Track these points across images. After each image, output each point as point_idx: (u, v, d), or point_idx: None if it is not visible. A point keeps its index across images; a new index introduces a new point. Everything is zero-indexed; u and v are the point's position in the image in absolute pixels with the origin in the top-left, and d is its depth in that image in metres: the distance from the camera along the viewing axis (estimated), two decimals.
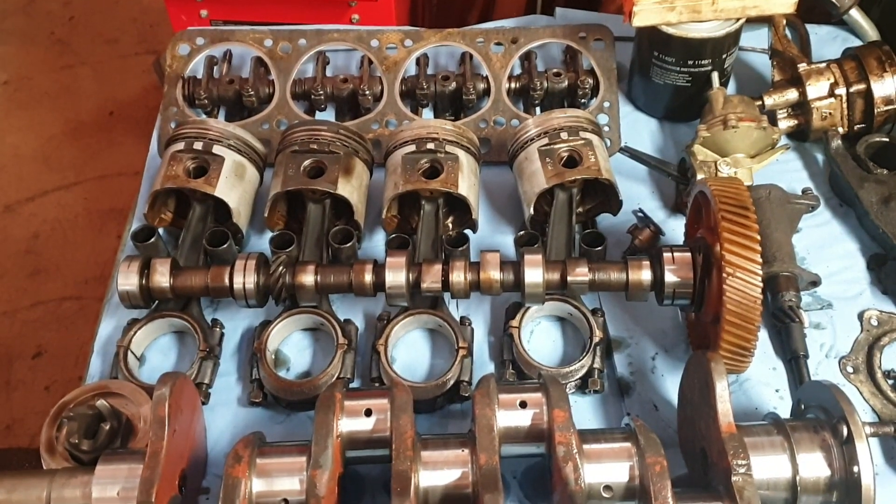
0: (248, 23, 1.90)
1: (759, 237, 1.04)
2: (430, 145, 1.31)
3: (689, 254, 1.15)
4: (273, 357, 1.23)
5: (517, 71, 1.58)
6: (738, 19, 1.40)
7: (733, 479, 0.93)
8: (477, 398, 1.02)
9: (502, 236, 1.40)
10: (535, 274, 1.16)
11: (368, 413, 1.02)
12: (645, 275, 1.16)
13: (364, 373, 1.22)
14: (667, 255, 1.15)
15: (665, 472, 0.95)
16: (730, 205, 1.07)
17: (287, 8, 1.94)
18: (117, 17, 3.29)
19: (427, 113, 1.57)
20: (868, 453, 0.95)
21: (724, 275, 1.04)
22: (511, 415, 1.03)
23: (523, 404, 1.03)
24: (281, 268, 1.18)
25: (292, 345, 1.26)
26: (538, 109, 1.56)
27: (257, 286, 1.18)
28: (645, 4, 1.37)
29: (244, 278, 1.17)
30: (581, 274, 1.16)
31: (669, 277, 1.14)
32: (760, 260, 1.04)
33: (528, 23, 1.69)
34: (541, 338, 1.27)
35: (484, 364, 1.24)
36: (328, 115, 1.56)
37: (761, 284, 1.03)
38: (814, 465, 0.98)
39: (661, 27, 1.40)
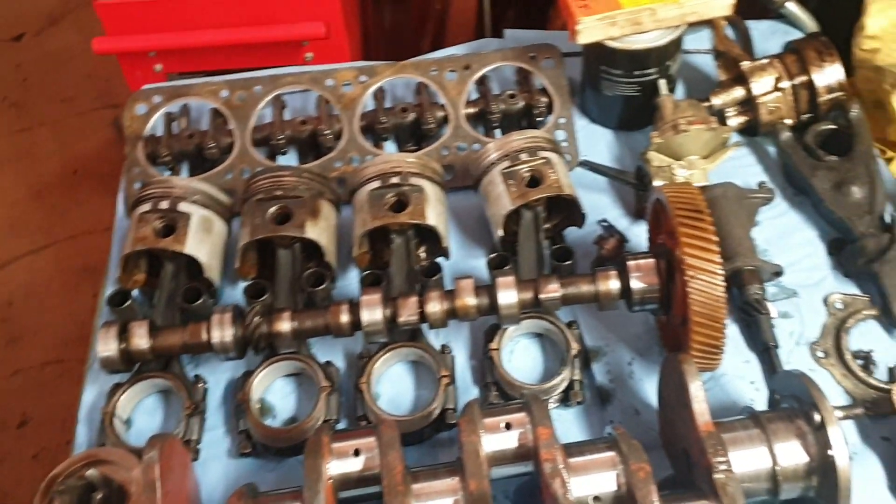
0: (204, 72, 1.92)
1: (716, 238, 1.08)
2: (395, 179, 1.33)
3: (653, 260, 1.18)
4: (258, 406, 1.24)
5: (474, 96, 1.61)
6: (678, 26, 1.44)
7: (715, 476, 0.96)
8: (462, 425, 1.04)
9: (475, 259, 1.43)
10: (508, 296, 1.19)
11: (357, 453, 1.04)
12: (613, 284, 1.19)
13: (350, 412, 1.24)
14: (631, 263, 1.18)
15: (649, 476, 0.97)
16: (685, 209, 1.11)
17: (241, 54, 1.97)
18: (71, 74, 3.29)
19: (389, 145, 1.59)
20: (841, 437, 0.98)
21: (687, 278, 1.07)
22: (497, 437, 1.05)
23: (508, 426, 1.06)
24: (256, 318, 1.19)
25: (276, 392, 1.28)
26: (498, 131, 1.59)
27: (235, 339, 1.19)
28: (588, 22, 1.40)
29: (222, 332, 1.19)
30: (552, 290, 1.19)
31: (636, 284, 1.17)
32: (720, 260, 1.07)
33: (479, 47, 1.72)
34: (521, 356, 1.30)
35: (468, 389, 1.26)
36: (290, 158, 1.58)
37: (724, 284, 1.06)
38: (792, 454, 1.02)
39: (606, 42, 1.44)
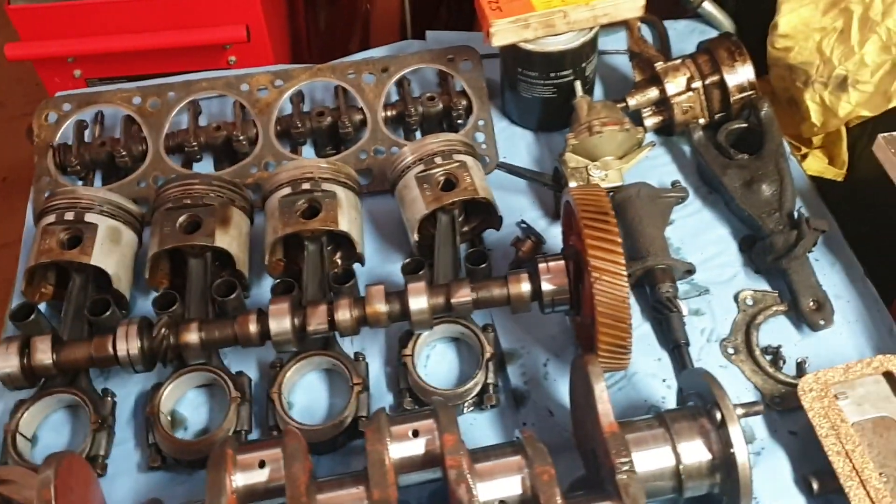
0: (124, 78, 1.88)
1: (620, 240, 1.08)
2: (306, 185, 1.32)
3: (562, 262, 1.18)
4: (169, 419, 1.22)
5: (394, 98, 1.60)
6: (592, 28, 1.45)
7: (617, 477, 0.96)
8: (368, 435, 1.04)
9: (393, 265, 1.41)
10: (419, 302, 1.18)
11: (262, 465, 1.03)
12: (524, 287, 1.19)
13: (264, 423, 1.22)
14: (542, 265, 1.19)
15: (553, 480, 0.97)
16: (591, 212, 1.11)
17: (163, 59, 1.93)
18: (1, 79, 3.20)
19: (307, 150, 1.58)
20: (741, 435, 0.99)
21: (591, 279, 1.07)
22: (405, 445, 1.04)
23: (416, 433, 1.05)
24: (163, 329, 1.17)
25: (188, 403, 1.25)
26: (419, 134, 1.58)
27: (142, 351, 1.16)
28: (501, 25, 1.40)
29: (127, 345, 1.16)
30: (464, 295, 1.19)
31: (546, 286, 1.18)
32: (623, 262, 1.08)
33: (400, 49, 1.72)
34: (437, 361, 1.29)
35: (382, 396, 1.25)
36: (206, 165, 1.56)
37: (627, 285, 1.07)
38: (695, 452, 1.03)
39: (521, 44, 1.44)
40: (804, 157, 1.62)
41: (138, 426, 1.23)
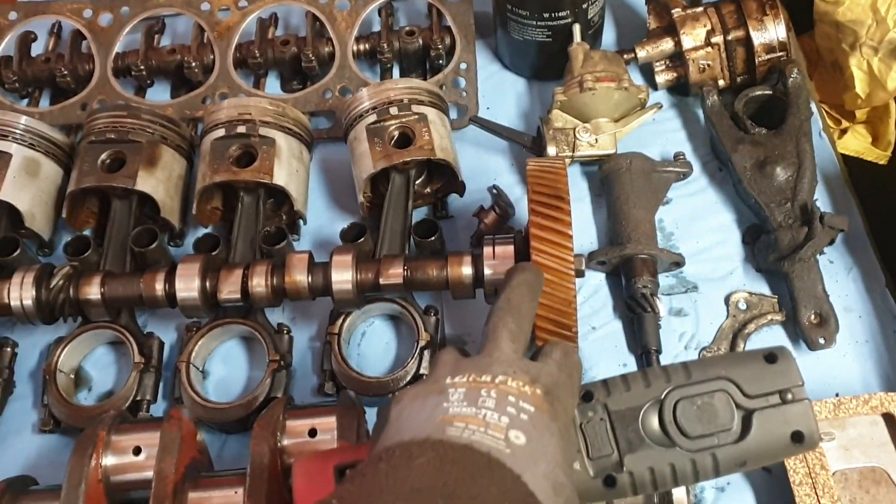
0: None
1: (570, 233, 0.90)
2: (242, 128, 1.16)
3: (511, 246, 1.01)
4: (72, 377, 1.12)
5: (374, 29, 1.41)
6: None
7: None
8: (255, 431, 0.91)
9: (345, 223, 1.26)
10: (343, 276, 1.03)
11: (138, 451, 0.92)
12: (466, 271, 1.02)
13: (171, 392, 1.11)
14: (488, 248, 1.01)
15: None
16: (542, 193, 0.93)
17: None
18: None
19: (272, 83, 1.41)
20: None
21: None
22: (300, 444, 0.92)
23: (313, 432, 0.92)
24: (61, 280, 1.05)
25: (95, 361, 1.14)
26: (396, 74, 1.40)
27: (37, 302, 1.05)
28: None
29: (21, 293, 1.05)
30: (394, 275, 1.03)
31: (489, 273, 1.01)
32: (572, 258, 0.90)
33: None
34: (374, 340, 1.15)
35: (307, 376, 1.12)
36: (158, 91, 1.41)
37: (574, 286, 0.90)
38: None
39: None
40: (844, 132, 1.38)
41: (39, 382, 1.13)
